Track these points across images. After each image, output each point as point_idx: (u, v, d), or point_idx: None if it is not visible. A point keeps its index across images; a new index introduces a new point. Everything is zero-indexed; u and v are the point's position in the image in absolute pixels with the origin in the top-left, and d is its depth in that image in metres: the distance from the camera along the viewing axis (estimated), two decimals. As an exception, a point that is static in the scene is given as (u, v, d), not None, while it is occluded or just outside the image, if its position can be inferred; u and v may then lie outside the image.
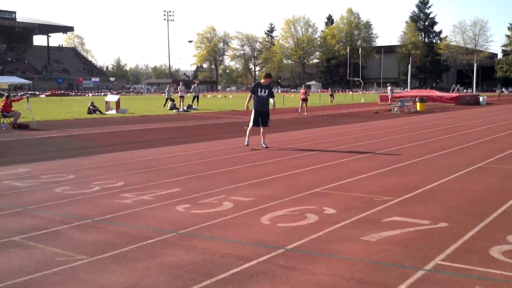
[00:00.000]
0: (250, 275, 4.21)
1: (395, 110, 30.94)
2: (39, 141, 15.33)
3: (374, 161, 10.61)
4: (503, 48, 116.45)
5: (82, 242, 5.14)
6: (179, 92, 34.63)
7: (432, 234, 5.32)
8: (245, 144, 13.01)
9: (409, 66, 70.75)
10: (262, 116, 12.98)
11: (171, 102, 33.70)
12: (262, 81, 13.30)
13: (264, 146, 13.02)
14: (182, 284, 4.02)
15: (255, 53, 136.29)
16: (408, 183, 8.09)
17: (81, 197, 7.27)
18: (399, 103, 32.25)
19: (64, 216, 6.20)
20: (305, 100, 29.28)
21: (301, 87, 31.16)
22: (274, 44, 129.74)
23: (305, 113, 28.64)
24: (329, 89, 58.05)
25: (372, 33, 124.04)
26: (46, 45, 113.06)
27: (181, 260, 4.58)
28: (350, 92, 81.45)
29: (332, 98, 49.79)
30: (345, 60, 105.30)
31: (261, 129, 13.16)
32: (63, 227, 5.69)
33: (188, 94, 41.09)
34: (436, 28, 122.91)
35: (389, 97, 43.01)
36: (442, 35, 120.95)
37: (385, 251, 4.77)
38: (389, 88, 46.94)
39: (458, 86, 64.40)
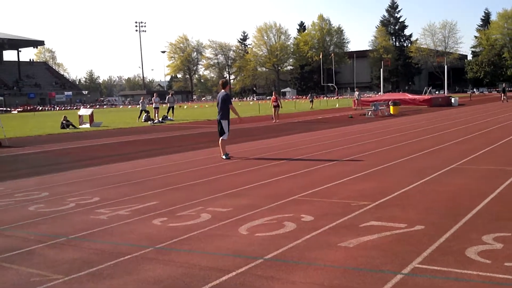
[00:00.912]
0: (229, 287, 4.18)
1: (369, 114, 31.26)
2: (12, 158, 15.06)
3: (349, 166, 10.68)
4: (472, 49, 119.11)
5: (57, 261, 5.04)
6: (154, 103, 34.45)
7: (408, 237, 5.36)
8: (224, 157, 12.57)
9: (381, 70, 71.56)
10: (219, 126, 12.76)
11: (146, 114, 33.49)
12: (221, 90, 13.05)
13: (226, 157, 12.58)
14: (161, 300, 3.97)
15: (229, 61, 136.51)
16: (384, 187, 8.15)
17: (56, 214, 7.15)
18: (373, 107, 32.59)
19: (38, 235, 6.08)
20: (276, 106, 29.19)
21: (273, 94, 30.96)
22: (247, 52, 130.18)
23: (278, 120, 28.64)
24: (309, 95, 58.53)
25: (344, 38, 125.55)
26: (17, 60, 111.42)
27: (158, 275, 4.52)
28: (325, 98, 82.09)
29: (312, 104, 50.33)
30: (318, 66, 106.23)
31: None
32: (38, 246, 5.58)
33: (163, 105, 40.88)
34: (407, 32, 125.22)
35: (356, 102, 43.37)
36: (412, 39, 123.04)
37: (363, 257, 4.79)
38: (356, 93, 46.55)
39: (430, 88, 65.46)
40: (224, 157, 12.61)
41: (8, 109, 76.51)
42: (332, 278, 4.29)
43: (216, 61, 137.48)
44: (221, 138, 12.77)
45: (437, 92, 80.00)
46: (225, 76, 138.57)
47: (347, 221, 6.14)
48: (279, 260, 4.80)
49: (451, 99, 45.16)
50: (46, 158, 14.76)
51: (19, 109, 76.95)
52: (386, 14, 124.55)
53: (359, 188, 8.21)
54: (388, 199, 7.26)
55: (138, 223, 6.45)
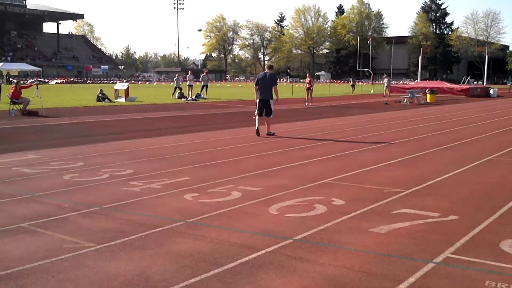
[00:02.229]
0: (258, 265, 4.19)
1: (405, 101, 30.74)
2: (48, 128, 15.38)
3: (383, 153, 10.54)
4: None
5: (90, 230, 5.14)
6: (188, 81, 34.54)
7: (442, 226, 5.27)
8: (268, 133, 13.26)
9: (420, 57, 70.15)
10: (264, 105, 13.15)
11: (179, 91, 33.68)
12: (265, 71, 13.51)
13: (271, 134, 13.27)
14: (190, 273, 4.01)
15: (265, 42, 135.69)
16: (418, 175, 8.02)
17: (90, 184, 7.28)
18: (409, 94, 32.03)
19: (72, 203, 6.21)
20: (309, 89, 27.99)
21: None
22: (283, 34, 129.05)
23: (311, 103, 27.64)
24: (351, 79, 57.69)
25: (382, 23, 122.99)
26: (56, 32, 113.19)
27: (189, 249, 4.56)
28: (360, 83, 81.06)
29: (353, 88, 49.64)
30: (355, 50, 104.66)
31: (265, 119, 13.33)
32: (71, 214, 5.70)
33: (197, 83, 41.04)
34: (448, 19, 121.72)
35: (385, 89, 40.81)
36: (453, 27, 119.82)
37: (394, 243, 4.73)
38: (385, 79, 42.57)
39: (468, 78, 63.84)
40: (269, 134, 13.29)
41: (46, 80, 78.05)
42: (362, 262, 4.25)
43: (251, 41, 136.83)
44: (266, 116, 13.18)
45: (475, 82, 78.04)
46: (259, 57, 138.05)
47: (379, 207, 6.07)
48: (309, 242, 4.78)
49: (490, 90, 44.00)
50: (81, 129, 15.03)
51: (58, 81, 78.34)
52: (427, 0, 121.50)
53: (392, 175, 8.09)
54: (422, 188, 7.14)
55: (169, 197, 6.51)
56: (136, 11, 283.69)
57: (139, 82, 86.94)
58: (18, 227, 5.20)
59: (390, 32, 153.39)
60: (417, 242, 4.77)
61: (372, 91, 51.70)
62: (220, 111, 23.58)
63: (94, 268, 4.12)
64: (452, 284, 3.84)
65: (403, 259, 4.34)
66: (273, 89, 13.15)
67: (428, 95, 32.77)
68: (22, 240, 4.83)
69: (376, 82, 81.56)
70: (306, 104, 27.79)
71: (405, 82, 75.69)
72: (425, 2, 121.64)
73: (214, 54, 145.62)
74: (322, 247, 4.65)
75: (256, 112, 13.39)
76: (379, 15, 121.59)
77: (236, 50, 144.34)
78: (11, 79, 63.38)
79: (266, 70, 13.51)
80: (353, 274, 4.00)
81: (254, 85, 13.38)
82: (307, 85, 28.30)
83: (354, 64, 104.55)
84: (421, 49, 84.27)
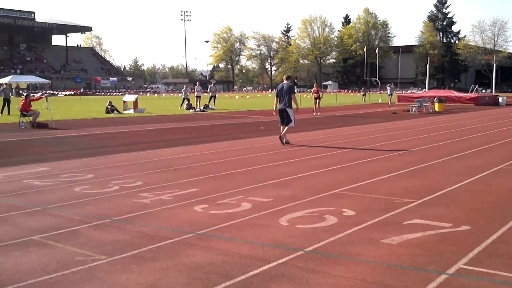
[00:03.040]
0: (269, 277, 4.17)
1: (413, 110, 30.65)
2: (58, 140, 15.46)
3: (393, 162, 10.49)
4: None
5: (101, 242, 5.14)
6: (196, 92, 34.68)
7: (454, 237, 5.22)
8: (286, 142, 13.59)
9: (427, 66, 69.92)
10: (283, 114, 13.58)
11: (187, 102, 33.80)
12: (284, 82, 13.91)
13: (287, 143, 13.58)
14: (201, 285, 4.00)
15: (272, 53, 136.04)
16: (429, 185, 7.97)
17: (100, 196, 7.30)
18: (417, 103, 31.94)
19: (83, 215, 6.22)
20: (317, 98, 28.26)
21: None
22: (290, 44, 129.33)
23: (319, 113, 27.91)
24: (362, 88, 57.82)
25: (389, 32, 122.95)
26: (65, 45, 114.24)
27: (199, 261, 4.55)
28: (368, 92, 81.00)
29: (364, 97, 49.60)
30: (362, 60, 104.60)
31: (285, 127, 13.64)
32: (82, 227, 5.71)
33: (205, 94, 41.18)
34: (454, 28, 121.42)
35: (389, 98, 40.60)
36: (460, 35, 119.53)
37: (406, 254, 4.69)
38: (388, 88, 42.27)
39: (477, 86, 63.66)
40: (285, 143, 13.57)
41: (55, 92, 78.60)
42: (375, 274, 4.22)
43: (258, 52, 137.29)
44: (287, 126, 13.55)
45: (484, 91, 77.67)
46: (266, 67, 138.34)
47: (390, 217, 6.03)
48: (320, 253, 4.75)
49: (498, 99, 43.76)
50: (91, 141, 15.10)
51: (68, 93, 78.80)
52: (434, 9, 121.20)
53: (403, 185, 8.05)
54: (433, 197, 7.09)
55: (179, 209, 6.51)
56: (144, 23, 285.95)
57: (148, 94, 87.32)
58: (29, 240, 5.22)
59: (397, 41, 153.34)
60: (429, 253, 4.73)
61: (380, 100, 51.59)
62: (229, 121, 23.62)
63: (105, 280, 4.12)
64: (466, 295, 3.80)
65: (415, 270, 4.30)
66: (292, 98, 13.53)
67: (436, 104, 32.66)
68: (34, 252, 4.84)
69: (384, 91, 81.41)
70: (314, 114, 27.88)
71: (412, 91, 75.50)
72: (432, 11, 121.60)
73: (221, 65, 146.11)
74: (333, 258, 4.62)
75: (279, 122, 13.86)
76: (385, 25, 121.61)
77: (243, 61, 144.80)
78: (20, 91, 63.91)
79: (284, 81, 13.90)
80: (366, 286, 3.97)
81: (275, 97, 13.87)
82: (315, 95, 28.47)
83: (361, 74, 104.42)
84: (428, 58, 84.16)
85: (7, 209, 6.53)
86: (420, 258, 4.60)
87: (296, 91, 13.96)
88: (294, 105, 13.60)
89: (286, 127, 13.55)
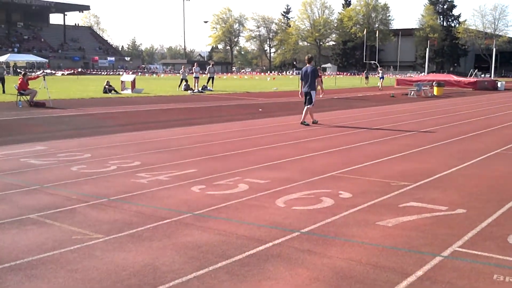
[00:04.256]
0: (265, 258, 4.20)
1: (411, 94, 30.60)
2: (56, 119, 15.43)
3: (390, 146, 10.51)
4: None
5: (99, 221, 5.17)
6: (194, 73, 34.54)
7: (449, 220, 5.26)
8: (313, 122, 14.29)
9: (427, 49, 69.70)
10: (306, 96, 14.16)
11: (185, 83, 33.67)
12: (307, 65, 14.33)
13: (305, 124, 14.05)
14: (198, 265, 4.03)
15: (271, 34, 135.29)
16: (425, 168, 8.00)
17: (97, 176, 7.31)
18: (416, 87, 31.88)
19: (80, 194, 6.24)
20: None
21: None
22: (290, 26, 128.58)
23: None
24: (365, 71, 57.55)
25: (389, 15, 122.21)
26: (63, 23, 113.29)
27: (196, 241, 4.58)
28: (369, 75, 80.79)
29: (367, 80, 49.28)
30: (361, 42, 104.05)
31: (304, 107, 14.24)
32: (80, 206, 5.73)
33: (203, 75, 41.01)
34: (455, 12, 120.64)
35: (380, 82, 39.73)
36: (461, 19, 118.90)
37: (401, 236, 4.73)
38: (380, 71, 41.17)
39: (476, 71, 63.47)
40: (308, 123, 14.10)
41: (53, 71, 78.19)
42: (370, 255, 4.25)
43: (257, 33, 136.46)
44: (307, 106, 14.08)
45: (483, 75, 77.54)
46: (265, 49, 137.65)
47: (386, 200, 6.06)
48: (316, 235, 4.78)
49: (497, 83, 43.69)
50: (88, 121, 15.07)
51: (66, 72, 78.36)
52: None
53: (399, 168, 8.08)
54: (429, 181, 7.12)
55: (177, 189, 6.53)
56: (142, 3, 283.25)
57: (146, 74, 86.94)
58: (26, 218, 5.23)
59: (397, 25, 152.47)
60: (424, 235, 4.76)
61: (378, 84, 51.40)
62: (227, 103, 23.56)
63: (102, 259, 4.15)
64: (460, 277, 3.84)
65: (410, 252, 4.34)
66: (316, 81, 14.19)
67: (435, 88, 32.59)
68: (31, 231, 4.86)
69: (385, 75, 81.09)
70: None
71: (411, 75, 75.31)
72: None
73: (220, 46, 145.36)
74: (329, 239, 4.66)
75: (304, 103, 14.33)
76: (385, 7, 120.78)
77: (242, 42, 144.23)
78: (18, 70, 63.57)
79: (307, 64, 14.26)
80: (361, 267, 4.01)
81: (299, 80, 14.46)
82: None
83: (361, 56, 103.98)
84: (428, 41, 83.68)
85: (4, 188, 6.55)
86: (415, 240, 4.63)
87: (319, 74, 14.79)
88: (318, 87, 14.09)
89: (305, 107, 14.09)
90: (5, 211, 5.51)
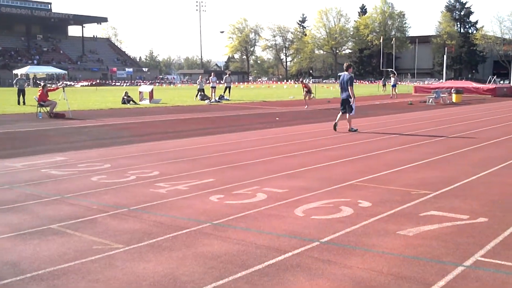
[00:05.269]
0: (285, 267, 4.18)
1: (430, 101, 30.36)
2: (75, 130, 15.60)
3: (409, 154, 10.43)
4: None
5: (119, 231, 5.20)
6: (211, 83, 34.73)
7: (471, 229, 5.19)
8: (352, 130, 14.55)
9: (444, 56, 69.12)
10: (343, 103, 14.53)
11: (202, 93, 33.85)
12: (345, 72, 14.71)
13: (352, 130, 14.47)
14: (218, 275, 4.02)
15: (287, 43, 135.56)
16: (446, 176, 7.91)
17: (117, 186, 7.36)
18: (434, 94, 31.63)
19: (101, 204, 6.29)
20: (308, 92, 26.58)
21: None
22: (306, 35, 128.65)
23: (306, 107, 25.98)
24: (382, 79, 57.36)
25: (406, 23, 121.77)
26: (81, 35, 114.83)
27: (216, 251, 4.58)
28: (387, 83, 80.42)
29: (384, 88, 48.95)
30: (378, 50, 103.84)
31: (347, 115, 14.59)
32: (100, 216, 5.78)
33: (220, 85, 41.22)
34: (472, 18, 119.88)
35: (392, 90, 38.40)
36: (478, 25, 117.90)
37: (423, 246, 4.67)
38: (392, 78, 39.58)
39: (494, 77, 62.74)
40: (357, 129, 14.59)
41: (72, 83, 79.19)
42: (391, 265, 4.21)
43: (273, 42, 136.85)
44: (348, 114, 14.50)
45: (502, 82, 76.60)
46: (281, 58, 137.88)
47: (407, 209, 6.01)
48: (336, 244, 4.76)
49: (517, 90, 43.17)
50: (107, 131, 15.21)
51: (84, 83, 79.30)
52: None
53: (419, 176, 8.00)
54: (450, 189, 7.04)
55: (195, 199, 6.55)
56: (159, 14, 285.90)
57: (163, 85, 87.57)
58: (48, 229, 5.29)
59: (414, 32, 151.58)
60: (446, 245, 4.71)
61: (391, 92, 51.05)
62: (244, 112, 23.61)
63: (123, 269, 4.17)
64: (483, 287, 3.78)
65: (432, 262, 4.28)
66: (349, 89, 14.33)
67: (454, 95, 32.30)
68: (52, 241, 4.90)
69: (400, 82, 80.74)
70: (306, 107, 26.06)
71: (429, 82, 74.70)
72: (449, 1, 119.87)
73: (236, 56, 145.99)
74: (349, 249, 4.62)
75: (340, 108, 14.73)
76: (402, 15, 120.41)
77: (259, 52, 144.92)
78: (38, 82, 64.50)
79: (344, 71, 14.66)
80: (382, 277, 3.97)
81: (339, 86, 14.92)
82: (305, 89, 26.71)
83: (378, 64, 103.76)
84: (446, 48, 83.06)
85: (26, 198, 6.63)
86: (437, 249, 4.58)
87: (353, 82, 14.95)
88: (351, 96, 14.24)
89: (348, 115, 14.47)
90: (26, 221, 5.58)
